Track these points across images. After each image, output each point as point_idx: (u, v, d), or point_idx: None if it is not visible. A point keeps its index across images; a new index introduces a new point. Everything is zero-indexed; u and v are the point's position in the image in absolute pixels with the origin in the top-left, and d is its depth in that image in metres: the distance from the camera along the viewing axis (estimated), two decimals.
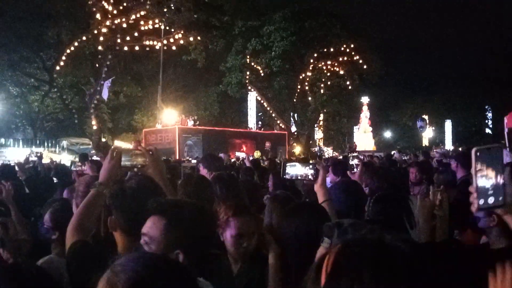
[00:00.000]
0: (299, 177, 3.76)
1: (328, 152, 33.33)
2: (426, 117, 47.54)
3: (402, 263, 1.08)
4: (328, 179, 6.33)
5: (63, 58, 25.58)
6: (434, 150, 22.34)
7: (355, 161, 6.15)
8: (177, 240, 1.89)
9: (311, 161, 7.18)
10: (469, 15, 74.05)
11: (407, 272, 1.07)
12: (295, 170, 3.75)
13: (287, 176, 3.79)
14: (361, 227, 1.91)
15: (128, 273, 1.27)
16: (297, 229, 2.63)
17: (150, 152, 2.72)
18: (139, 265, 1.30)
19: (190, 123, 25.45)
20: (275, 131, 32.75)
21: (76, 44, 25.37)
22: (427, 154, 13.24)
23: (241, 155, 14.20)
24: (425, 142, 49.40)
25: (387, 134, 53.74)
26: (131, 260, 1.35)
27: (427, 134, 49.92)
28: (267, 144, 27.89)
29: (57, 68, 26.40)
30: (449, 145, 47.37)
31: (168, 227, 1.92)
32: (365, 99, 36.10)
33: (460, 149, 22.26)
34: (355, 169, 5.42)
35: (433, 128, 52.54)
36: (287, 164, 3.86)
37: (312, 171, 3.61)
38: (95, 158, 12.65)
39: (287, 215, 2.82)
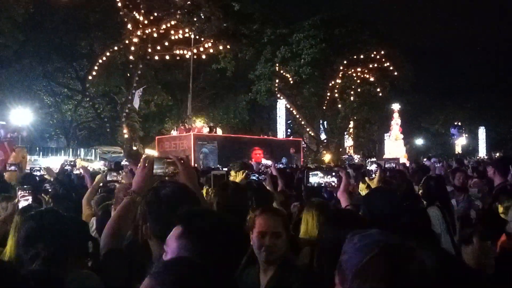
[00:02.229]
0: (322, 185, 3.81)
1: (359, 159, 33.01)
2: (459, 124, 46.71)
3: (426, 280, 1.08)
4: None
5: (95, 68, 26.06)
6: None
7: (374, 167, 6.06)
8: (189, 249, 1.83)
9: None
10: (503, 20, 72.65)
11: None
12: (317, 178, 3.77)
13: (310, 184, 3.85)
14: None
15: (167, 278, 1.29)
16: (339, 236, 2.59)
17: (182, 161, 2.74)
18: (178, 270, 1.32)
19: (206, 130, 25.03)
20: (290, 138, 32.53)
21: (108, 54, 25.83)
22: (461, 162, 12.96)
23: (267, 162, 14.08)
24: (458, 150, 48.50)
25: (419, 141, 52.93)
26: (170, 265, 1.39)
27: (460, 141, 49.02)
28: (292, 150, 27.78)
29: (90, 77, 26.91)
30: (482, 152, 46.39)
31: (182, 235, 1.87)
32: (396, 106, 35.62)
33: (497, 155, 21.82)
34: (373, 175, 5.34)
35: (466, 135, 51.54)
36: (310, 173, 3.90)
37: (335, 179, 3.64)
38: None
39: (329, 221, 2.76)
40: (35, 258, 2.46)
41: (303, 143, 39.74)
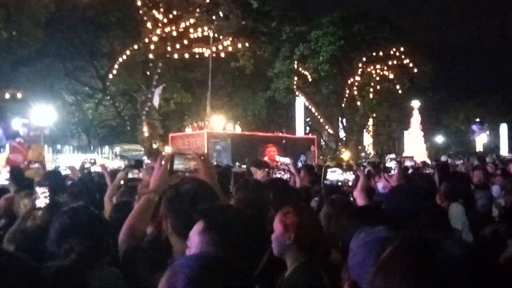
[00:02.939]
0: (339, 183, 3.77)
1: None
2: (480, 120, 46.03)
3: (456, 269, 1.05)
4: (380, 185, 6.24)
5: (116, 66, 26.30)
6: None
7: (393, 163, 6.03)
8: (211, 243, 1.85)
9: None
10: None
11: (460, 278, 1.04)
12: (335, 176, 3.76)
13: (327, 182, 3.81)
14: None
15: (186, 272, 1.30)
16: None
17: (202, 157, 2.76)
18: (197, 265, 1.33)
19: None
20: (304, 136, 32.22)
21: (128, 52, 26.04)
22: (482, 159, 12.80)
23: (286, 160, 13.99)
24: (479, 147, 47.80)
25: (439, 139, 52.30)
26: (190, 259, 1.41)
27: (482, 139, 48.32)
28: (312, 148, 27.61)
29: (110, 76, 27.15)
30: (504, 150, 45.56)
31: (204, 230, 1.89)
32: (415, 103, 35.25)
33: None
34: (392, 171, 5.32)
35: (487, 132, 50.72)
36: (328, 170, 3.88)
37: (352, 177, 3.61)
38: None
39: (351, 218, 2.76)
40: (69, 253, 2.52)
41: (321, 140, 39.65)
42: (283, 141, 26.33)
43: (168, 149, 25.08)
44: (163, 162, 2.65)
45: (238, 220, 1.98)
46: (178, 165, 2.70)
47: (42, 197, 4.11)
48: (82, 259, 2.49)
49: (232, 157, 22.21)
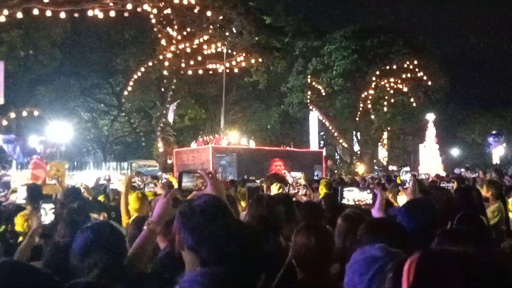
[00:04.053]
0: (356, 202, 3.68)
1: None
2: (496, 132, 45.43)
3: (497, 279, 1.05)
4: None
5: (131, 83, 26.53)
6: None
7: (408, 176, 5.99)
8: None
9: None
10: None
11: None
12: (352, 194, 3.71)
13: (344, 201, 3.72)
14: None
15: (195, 287, 1.33)
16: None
17: (210, 175, 2.79)
18: (206, 280, 1.36)
19: (224, 142, 24.19)
20: (312, 149, 31.54)
21: (142, 69, 26.29)
22: (500, 172, 12.64)
23: (297, 174, 13.89)
24: (496, 160, 47.22)
25: (455, 151, 51.84)
26: (198, 275, 1.43)
27: (498, 152, 47.75)
28: (329, 162, 27.41)
29: (125, 93, 27.39)
30: None
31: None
32: (430, 116, 35.01)
33: None
34: (407, 184, 5.28)
35: (504, 145, 50.09)
36: (345, 189, 3.78)
37: (370, 196, 3.55)
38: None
39: (368, 233, 2.74)
40: (92, 268, 2.55)
41: (336, 154, 39.49)
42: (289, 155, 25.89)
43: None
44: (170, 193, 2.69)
45: (240, 236, 2.02)
46: (186, 182, 2.73)
47: (50, 213, 4.11)
48: (105, 275, 2.52)
49: (238, 172, 21.68)
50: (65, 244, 3.59)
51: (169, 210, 2.63)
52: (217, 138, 24.89)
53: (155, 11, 22.00)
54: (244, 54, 27.10)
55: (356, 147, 36.41)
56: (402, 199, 5.52)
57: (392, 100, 33.07)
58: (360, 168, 31.65)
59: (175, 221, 2.43)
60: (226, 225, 2.15)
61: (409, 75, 31.94)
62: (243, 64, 27.44)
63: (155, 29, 24.53)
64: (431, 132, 35.37)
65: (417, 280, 1.08)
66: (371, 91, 32.35)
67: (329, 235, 2.98)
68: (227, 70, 27.57)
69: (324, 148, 35.70)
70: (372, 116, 33.31)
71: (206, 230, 2.08)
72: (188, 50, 25.58)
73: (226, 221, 2.21)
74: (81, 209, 4.30)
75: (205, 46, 25.83)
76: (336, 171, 30.29)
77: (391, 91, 32.95)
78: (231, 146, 24.10)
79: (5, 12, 15.10)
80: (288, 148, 28.47)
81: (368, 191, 3.67)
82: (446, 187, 7.07)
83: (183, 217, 2.38)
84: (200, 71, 27.09)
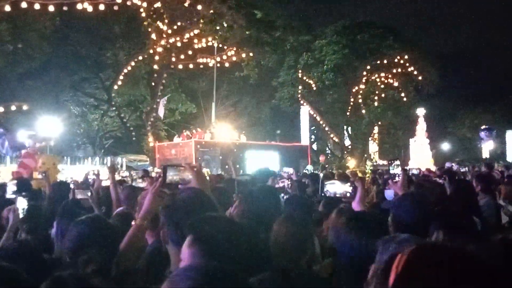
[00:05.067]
0: (337, 195, 3.69)
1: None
2: (488, 127, 45.71)
3: (483, 271, 1.05)
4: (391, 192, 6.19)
5: (121, 77, 26.41)
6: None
7: (398, 170, 6.00)
8: (200, 257, 1.85)
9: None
10: None
11: (487, 279, 1.04)
12: (334, 187, 3.70)
13: (326, 194, 3.73)
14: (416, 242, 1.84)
15: (185, 282, 1.30)
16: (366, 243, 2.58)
17: (195, 169, 2.78)
18: (196, 274, 1.33)
19: (208, 136, 23.91)
20: (296, 144, 31.28)
21: (132, 64, 26.17)
22: (490, 166, 12.67)
23: (289, 170, 13.99)
24: (486, 155, 47.54)
25: (445, 146, 52.11)
26: (188, 270, 1.40)
27: (488, 146, 48.09)
28: (322, 157, 27.44)
29: (115, 87, 27.26)
30: (510, 157, 45.30)
31: (192, 244, 1.89)
32: (421, 111, 35.15)
33: None
34: (397, 178, 5.28)
35: (493, 139, 50.42)
36: (326, 182, 3.80)
37: (350, 188, 3.56)
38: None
39: (348, 226, 2.74)
40: (88, 263, 2.51)
41: (327, 149, 39.54)
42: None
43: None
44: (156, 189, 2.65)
45: (227, 230, 1.96)
46: (172, 176, 2.70)
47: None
48: (101, 271, 2.49)
49: (222, 166, 21.49)
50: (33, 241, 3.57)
51: (155, 204, 2.59)
52: (199, 132, 24.67)
53: (145, 4, 21.92)
54: (235, 49, 27.04)
55: (347, 142, 36.47)
56: (389, 193, 5.55)
57: (383, 95, 33.16)
58: (351, 163, 31.72)
59: (160, 214, 2.42)
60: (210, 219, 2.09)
61: (399, 70, 32.07)
62: (234, 58, 27.38)
63: (145, 23, 24.40)
64: (421, 126, 35.53)
65: (404, 276, 1.08)
66: (362, 86, 32.43)
67: (304, 226, 2.94)
68: (218, 65, 27.51)
69: (315, 143, 35.73)
70: (363, 111, 33.39)
71: (188, 224, 2.03)
72: (179, 44, 25.49)
73: (210, 215, 2.16)
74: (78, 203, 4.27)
75: (195, 40, 25.76)
76: (327, 166, 30.33)
77: (382, 86, 33.06)
78: (214, 140, 23.86)
79: None
80: (273, 142, 28.35)
81: (349, 184, 3.68)
82: (438, 181, 7.09)
83: (166, 211, 2.37)
84: (191, 65, 27.03)
